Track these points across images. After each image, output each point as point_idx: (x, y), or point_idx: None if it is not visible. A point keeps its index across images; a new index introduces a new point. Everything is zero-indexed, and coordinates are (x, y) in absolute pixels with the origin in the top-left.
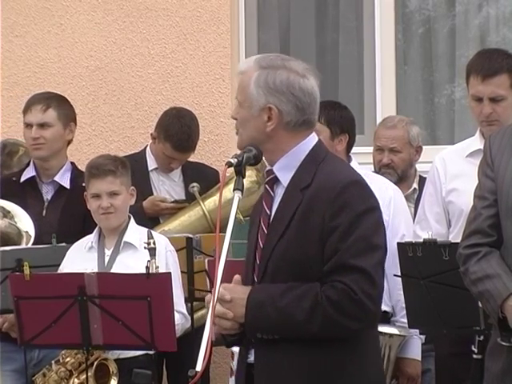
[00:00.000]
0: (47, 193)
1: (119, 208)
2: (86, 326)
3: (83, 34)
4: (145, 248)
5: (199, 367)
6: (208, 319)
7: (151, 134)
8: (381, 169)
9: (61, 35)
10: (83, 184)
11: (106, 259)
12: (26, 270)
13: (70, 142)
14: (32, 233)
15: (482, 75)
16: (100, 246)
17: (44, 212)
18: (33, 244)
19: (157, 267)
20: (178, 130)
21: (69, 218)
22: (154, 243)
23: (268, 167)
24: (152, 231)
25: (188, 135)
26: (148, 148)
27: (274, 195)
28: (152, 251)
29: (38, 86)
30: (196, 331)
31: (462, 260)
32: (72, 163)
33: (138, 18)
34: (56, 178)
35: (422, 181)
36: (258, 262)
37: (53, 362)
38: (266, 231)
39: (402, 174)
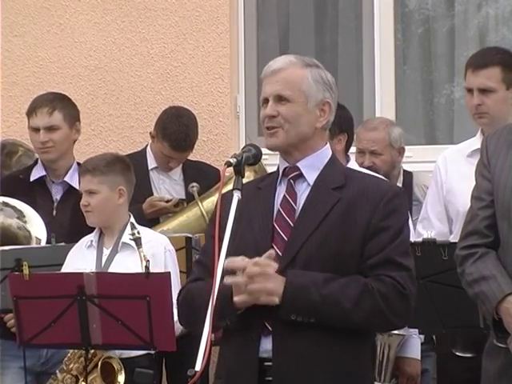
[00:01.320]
0: (56, 193)
1: (96, 207)
2: (86, 325)
3: (82, 33)
4: (130, 239)
5: (198, 367)
6: (207, 319)
7: (150, 133)
8: None
9: (60, 35)
10: None
11: (104, 259)
12: (26, 270)
13: (74, 141)
14: (43, 241)
15: (473, 67)
16: (99, 245)
17: (54, 212)
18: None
19: (144, 256)
20: (175, 129)
21: (79, 218)
22: (139, 233)
23: (286, 164)
24: (148, 229)
25: (186, 134)
26: (148, 147)
27: (297, 191)
28: (138, 241)
29: (38, 86)
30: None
31: (459, 261)
32: (78, 163)
33: (137, 18)
34: (66, 179)
35: (407, 176)
36: (279, 253)
37: (57, 371)
38: (292, 224)
39: (385, 176)
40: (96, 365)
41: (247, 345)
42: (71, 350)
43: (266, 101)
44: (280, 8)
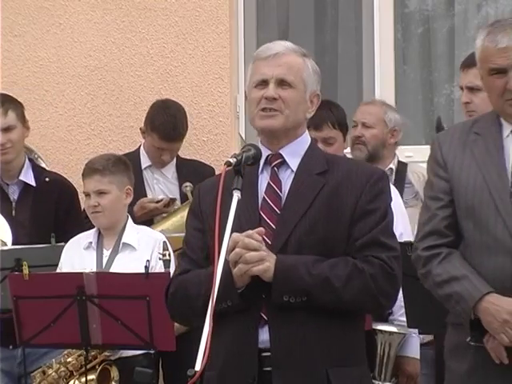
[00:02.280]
0: (13, 193)
1: (107, 207)
2: (85, 325)
3: (82, 33)
4: (159, 259)
5: (198, 366)
6: (207, 318)
7: (140, 129)
8: (354, 144)
9: (60, 35)
10: (46, 179)
11: (105, 260)
12: (25, 270)
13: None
14: (9, 244)
15: (464, 66)
16: (99, 246)
17: (13, 212)
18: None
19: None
20: (163, 120)
21: (39, 216)
22: (169, 255)
23: (268, 151)
24: (148, 228)
25: (173, 124)
26: (141, 146)
27: (280, 178)
28: (166, 263)
29: (37, 86)
30: (193, 330)
31: (422, 262)
32: (30, 159)
33: (137, 18)
34: (21, 177)
35: (402, 165)
36: (268, 241)
37: (53, 360)
38: (278, 212)
39: (373, 151)
40: (94, 367)
41: (243, 336)
42: None
43: (263, 82)
44: (280, 8)
